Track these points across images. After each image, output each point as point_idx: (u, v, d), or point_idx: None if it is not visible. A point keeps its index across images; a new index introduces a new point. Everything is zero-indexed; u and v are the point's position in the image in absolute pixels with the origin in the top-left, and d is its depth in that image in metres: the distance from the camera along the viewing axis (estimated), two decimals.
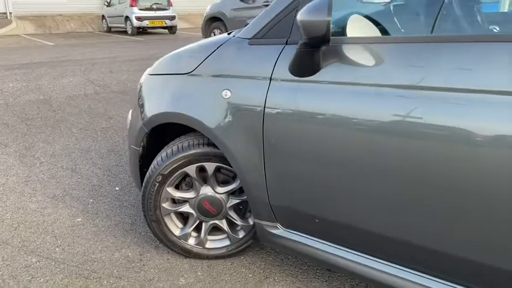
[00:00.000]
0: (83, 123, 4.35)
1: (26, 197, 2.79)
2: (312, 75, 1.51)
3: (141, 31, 15.56)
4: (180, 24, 16.85)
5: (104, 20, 17.19)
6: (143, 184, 2.02)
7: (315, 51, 1.46)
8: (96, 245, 2.26)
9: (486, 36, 1.33)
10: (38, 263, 2.10)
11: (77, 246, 2.25)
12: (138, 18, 14.78)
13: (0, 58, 9.13)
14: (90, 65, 8.05)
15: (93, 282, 1.97)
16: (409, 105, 1.32)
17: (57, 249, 2.22)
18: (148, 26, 15.06)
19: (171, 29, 15.61)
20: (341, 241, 1.66)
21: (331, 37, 1.39)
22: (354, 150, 1.44)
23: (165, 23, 15.22)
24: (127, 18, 15.14)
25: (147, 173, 2.01)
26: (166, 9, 15.49)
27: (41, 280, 1.98)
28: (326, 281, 1.97)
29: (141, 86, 2.20)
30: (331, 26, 1.32)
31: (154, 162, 2.00)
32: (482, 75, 1.22)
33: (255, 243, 2.15)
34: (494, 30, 2.27)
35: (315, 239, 1.72)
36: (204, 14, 9.06)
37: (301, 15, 1.36)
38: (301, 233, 1.76)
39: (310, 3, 1.36)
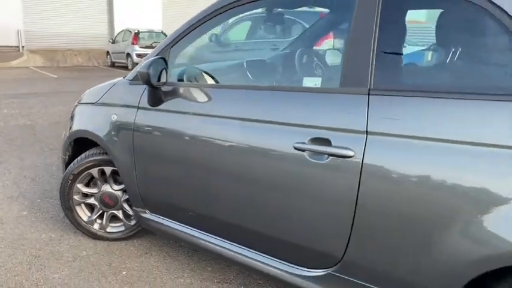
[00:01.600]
0: (55, 145, 5.16)
1: None
2: (157, 105, 2.30)
3: None
4: None
5: (108, 56, 18.41)
6: (61, 181, 2.79)
7: (155, 90, 2.26)
8: (31, 229, 3.01)
9: (248, 85, 2.11)
10: None
11: (16, 230, 2.99)
12: (138, 55, 15.90)
13: (5, 88, 10.13)
14: None
15: (19, 251, 2.70)
16: (204, 125, 2.09)
17: (1, 231, 2.97)
18: None
19: None
20: (186, 222, 2.39)
21: (174, 81, 2.20)
22: (181, 154, 2.20)
23: None
24: (128, 54, 16.31)
25: (64, 173, 2.79)
26: None
27: None
28: (189, 256, 2.69)
29: (72, 111, 3.00)
30: (151, 78, 2.11)
31: (69, 166, 2.78)
32: (243, 108, 2.00)
33: (148, 230, 2.88)
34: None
35: (168, 219, 2.46)
36: None
37: (138, 68, 2.16)
38: (160, 215, 2.49)
39: (144, 61, 2.17)
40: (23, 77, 12.91)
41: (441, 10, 1.79)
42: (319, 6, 2.47)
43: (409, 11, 1.82)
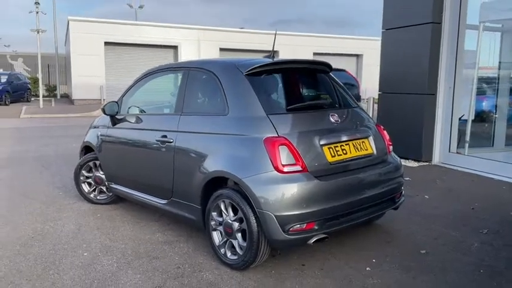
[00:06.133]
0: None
1: (40, 182, 6.00)
2: (115, 125, 4.57)
3: None
4: None
5: None
6: (75, 169, 5.12)
7: (113, 117, 4.54)
8: (60, 199, 5.33)
9: (150, 113, 4.31)
10: (30, 201, 5.21)
11: (55, 199, 5.32)
12: None
13: (83, 131, 13.19)
14: None
15: (53, 206, 5.02)
16: (132, 133, 4.32)
17: (46, 199, 5.33)
18: None
19: None
20: (128, 186, 4.55)
21: (124, 113, 4.47)
22: (126, 150, 4.42)
23: None
24: None
25: (76, 165, 5.11)
26: None
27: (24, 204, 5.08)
28: (139, 210, 4.82)
29: (86, 132, 5.37)
30: (106, 111, 4.39)
31: (79, 161, 5.11)
32: (156, 125, 4.19)
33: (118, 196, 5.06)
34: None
35: (121, 186, 4.64)
36: None
37: (102, 107, 4.46)
38: (119, 184, 4.68)
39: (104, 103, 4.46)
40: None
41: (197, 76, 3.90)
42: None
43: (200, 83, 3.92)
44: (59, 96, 30.35)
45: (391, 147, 3.91)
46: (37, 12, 22.74)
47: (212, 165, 3.40)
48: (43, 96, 22.83)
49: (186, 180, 3.63)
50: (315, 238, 3.10)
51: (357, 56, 30.15)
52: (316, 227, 3.11)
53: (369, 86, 23.73)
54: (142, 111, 4.60)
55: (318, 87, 3.93)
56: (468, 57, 7.17)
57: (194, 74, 3.83)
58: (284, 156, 3.09)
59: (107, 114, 4.50)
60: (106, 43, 23.55)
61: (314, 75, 3.90)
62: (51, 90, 32.27)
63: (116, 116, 4.55)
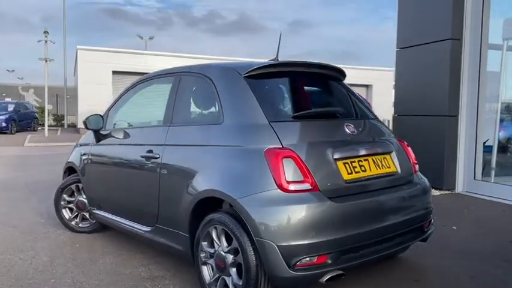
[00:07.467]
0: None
1: (23, 209, 5.43)
2: (99, 142, 4.02)
3: None
4: None
5: None
6: (55, 193, 4.54)
7: (96, 132, 3.99)
8: (41, 227, 4.74)
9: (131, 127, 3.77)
10: (5, 229, 4.63)
11: (34, 227, 4.74)
12: None
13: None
14: None
15: (32, 234, 4.43)
16: (114, 149, 3.76)
17: (26, 227, 4.74)
18: None
19: None
20: (112, 212, 3.96)
21: (108, 128, 3.92)
22: (108, 169, 3.85)
23: None
24: None
25: (57, 188, 4.54)
26: None
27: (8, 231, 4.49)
28: (120, 238, 4.21)
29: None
30: (88, 125, 3.84)
31: (60, 183, 4.54)
32: (142, 139, 3.63)
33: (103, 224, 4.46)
34: None
35: (104, 211, 4.05)
36: None
37: (84, 120, 3.92)
38: (102, 210, 4.09)
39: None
40: None
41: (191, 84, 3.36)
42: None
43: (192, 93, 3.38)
44: (66, 126, 30.15)
45: (417, 166, 3.30)
46: (46, 42, 22.80)
47: (202, 183, 2.81)
48: (50, 126, 22.57)
49: (173, 202, 3.05)
50: (328, 275, 2.47)
51: (367, 86, 29.75)
52: (329, 261, 2.48)
53: (380, 114, 23.20)
54: (130, 125, 4.07)
55: (330, 94, 3.37)
56: (492, 77, 6.61)
57: (186, 79, 3.30)
58: (290, 171, 2.49)
59: (89, 129, 3.96)
60: (114, 72, 23.41)
61: (325, 81, 3.35)
62: (58, 120, 32.13)
63: (101, 132, 4.01)
